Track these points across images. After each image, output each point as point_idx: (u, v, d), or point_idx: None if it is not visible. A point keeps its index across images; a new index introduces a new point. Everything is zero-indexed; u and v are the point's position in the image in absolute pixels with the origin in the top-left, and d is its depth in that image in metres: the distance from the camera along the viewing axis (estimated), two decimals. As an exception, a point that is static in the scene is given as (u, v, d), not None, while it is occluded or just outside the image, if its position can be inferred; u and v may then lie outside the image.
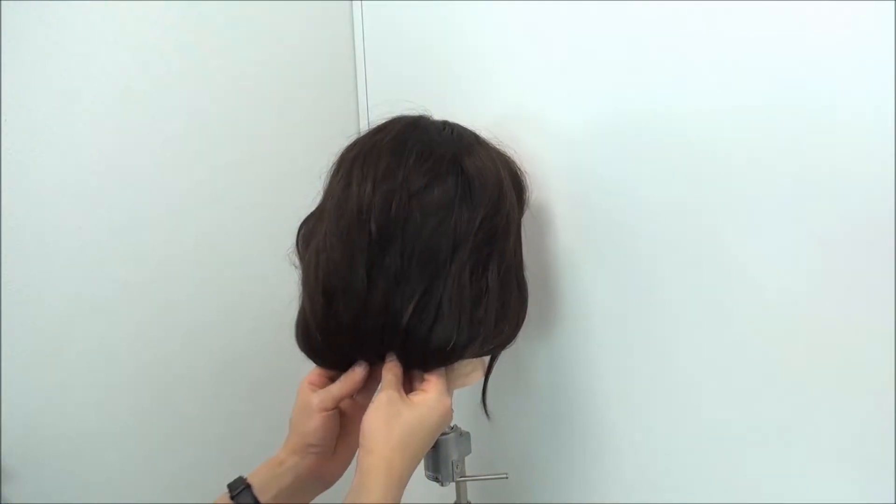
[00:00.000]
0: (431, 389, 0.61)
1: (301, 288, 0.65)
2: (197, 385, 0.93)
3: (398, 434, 0.58)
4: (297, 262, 0.67)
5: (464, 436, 0.73)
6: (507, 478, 0.76)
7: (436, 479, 0.73)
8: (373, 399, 0.60)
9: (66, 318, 0.83)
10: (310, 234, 0.65)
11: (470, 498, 0.77)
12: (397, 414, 0.59)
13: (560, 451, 0.80)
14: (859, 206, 0.50)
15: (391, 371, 0.62)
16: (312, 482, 0.66)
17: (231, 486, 0.63)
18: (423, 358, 0.62)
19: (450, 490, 0.76)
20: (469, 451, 0.74)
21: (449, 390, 0.65)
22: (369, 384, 0.66)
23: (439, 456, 0.71)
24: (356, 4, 1.00)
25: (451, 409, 0.63)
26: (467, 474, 0.74)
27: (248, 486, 0.62)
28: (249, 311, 0.96)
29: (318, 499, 0.88)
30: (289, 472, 0.64)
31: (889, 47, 0.47)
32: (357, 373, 0.64)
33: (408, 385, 0.64)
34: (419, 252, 0.59)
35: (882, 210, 0.49)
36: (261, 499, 0.62)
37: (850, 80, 0.50)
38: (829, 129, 0.51)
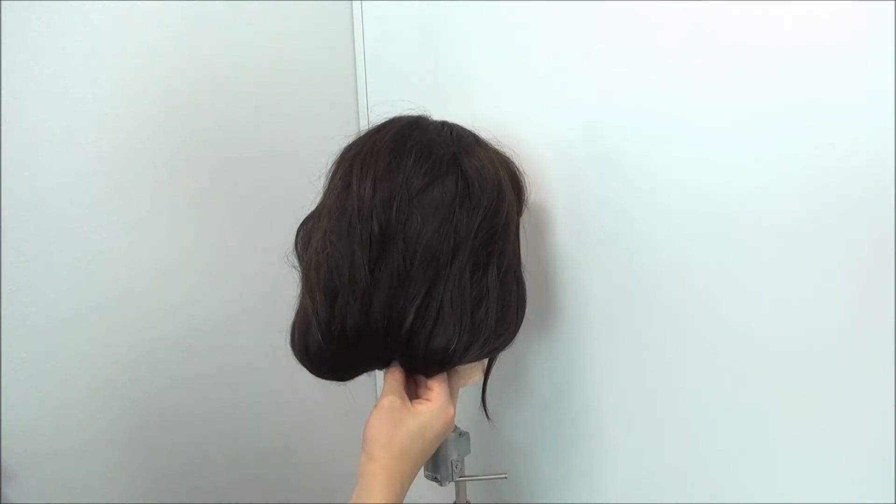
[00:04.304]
0: (435, 398, 0.61)
1: (300, 289, 0.65)
2: (196, 385, 0.93)
3: (400, 442, 0.58)
4: (296, 263, 0.67)
5: (463, 436, 0.73)
6: (506, 478, 0.76)
7: (435, 479, 0.73)
8: (376, 404, 0.60)
9: (66, 319, 0.83)
10: (309, 235, 0.65)
11: (469, 498, 0.77)
12: (400, 421, 0.58)
13: (559, 450, 0.80)
14: (859, 203, 0.50)
15: (392, 376, 0.62)
16: None
17: None
18: (425, 362, 0.61)
19: (449, 490, 0.76)
20: (469, 451, 0.74)
21: (452, 393, 0.64)
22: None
23: (439, 456, 0.71)
24: (356, 4, 1.00)
25: (454, 417, 0.63)
26: (467, 474, 0.74)
27: None
28: (249, 312, 0.96)
29: (317, 500, 0.88)
30: None
31: (890, 56, 0.47)
32: None
33: (413, 389, 0.64)
34: (421, 253, 0.59)
35: (882, 210, 0.49)
36: None
37: (850, 81, 0.50)
38: (829, 129, 0.51)
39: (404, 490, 0.58)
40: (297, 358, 0.64)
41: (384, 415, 0.58)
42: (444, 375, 0.63)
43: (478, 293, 0.61)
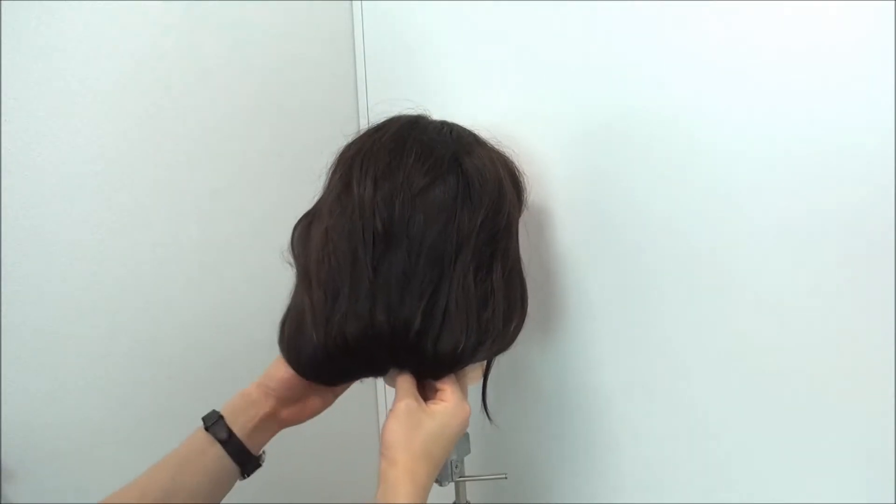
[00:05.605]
0: (449, 397, 0.61)
1: (294, 288, 0.65)
2: (197, 385, 0.93)
3: (420, 444, 0.57)
4: (291, 260, 0.67)
5: (463, 436, 0.73)
6: (506, 478, 0.76)
7: (435, 479, 0.73)
8: (391, 408, 0.60)
9: (66, 318, 0.83)
10: (307, 232, 0.65)
11: (469, 498, 0.77)
12: (418, 423, 0.58)
13: (559, 451, 0.80)
14: (859, 206, 0.50)
15: (405, 379, 0.61)
16: (269, 422, 0.68)
17: (205, 419, 0.66)
18: (433, 365, 0.60)
19: (449, 490, 0.76)
20: (468, 451, 0.74)
21: (462, 392, 0.64)
22: None
23: (439, 456, 0.71)
24: (356, 4, 1.00)
25: (470, 415, 0.62)
26: (467, 474, 0.74)
27: (221, 418, 0.66)
28: (249, 311, 0.96)
29: (318, 500, 0.87)
30: (251, 406, 0.67)
31: (890, 56, 0.47)
32: None
33: (421, 393, 0.64)
34: (426, 253, 0.59)
35: (882, 210, 0.49)
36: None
37: (850, 80, 0.50)
38: (829, 129, 0.51)
39: (427, 491, 0.58)
40: (284, 356, 0.64)
41: (402, 418, 0.58)
42: (453, 376, 0.63)
43: (483, 293, 0.60)
